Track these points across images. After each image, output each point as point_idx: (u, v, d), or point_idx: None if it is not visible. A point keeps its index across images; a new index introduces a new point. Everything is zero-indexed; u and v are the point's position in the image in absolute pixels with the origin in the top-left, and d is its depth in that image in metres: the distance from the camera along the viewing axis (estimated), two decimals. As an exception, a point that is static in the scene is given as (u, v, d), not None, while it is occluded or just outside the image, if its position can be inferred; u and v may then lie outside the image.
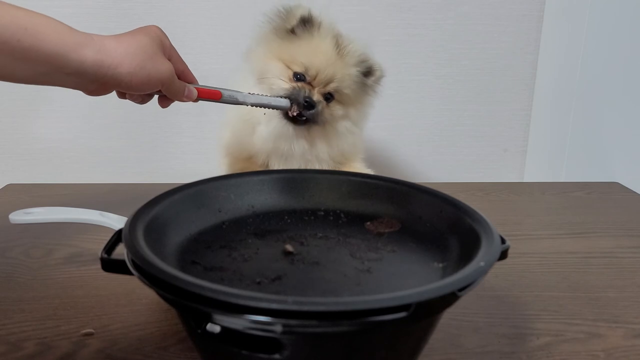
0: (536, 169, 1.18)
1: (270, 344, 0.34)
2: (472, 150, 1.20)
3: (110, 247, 0.42)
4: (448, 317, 0.47)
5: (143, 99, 0.61)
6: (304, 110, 0.69)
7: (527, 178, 1.21)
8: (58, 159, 1.15)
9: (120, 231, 0.42)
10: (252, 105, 0.66)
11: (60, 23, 0.48)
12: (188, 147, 1.15)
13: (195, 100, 0.64)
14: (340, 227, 0.52)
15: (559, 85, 1.10)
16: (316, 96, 0.70)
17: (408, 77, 1.14)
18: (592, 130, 1.04)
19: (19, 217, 0.57)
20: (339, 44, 0.70)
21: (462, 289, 0.35)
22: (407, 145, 1.18)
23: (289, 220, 0.53)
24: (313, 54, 0.69)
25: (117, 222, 0.59)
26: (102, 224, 0.59)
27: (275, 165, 0.74)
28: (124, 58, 0.51)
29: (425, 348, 0.42)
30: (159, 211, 0.46)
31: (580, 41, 1.04)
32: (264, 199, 0.55)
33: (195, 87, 0.63)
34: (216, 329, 0.34)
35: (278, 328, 0.32)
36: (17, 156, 1.15)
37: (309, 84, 0.70)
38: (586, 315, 0.55)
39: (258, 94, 0.67)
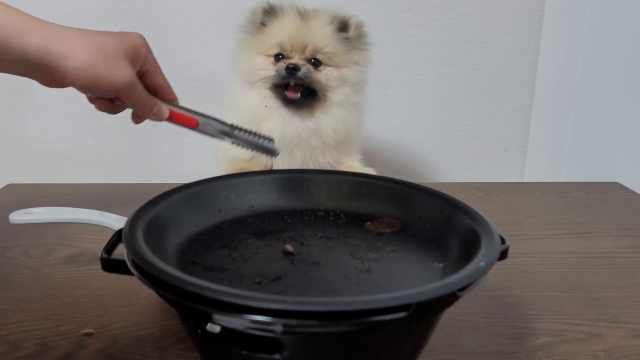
0: (536, 169, 1.18)
1: (270, 344, 0.34)
2: (472, 150, 1.20)
3: (110, 247, 0.42)
4: (448, 317, 0.47)
5: (107, 106, 0.56)
6: (291, 78, 0.71)
7: (527, 178, 1.21)
8: (58, 159, 1.15)
9: (120, 231, 0.42)
10: (233, 143, 0.58)
11: (8, 7, 0.47)
12: (188, 147, 1.15)
13: (171, 121, 0.59)
14: (340, 227, 0.52)
15: (559, 85, 1.10)
16: (297, 61, 0.73)
17: (408, 77, 1.14)
18: (592, 130, 1.04)
19: (19, 217, 0.57)
20: (302, 13, 0.72)
21: (462, 289, 0.35)
22: (407, 145, 1.18)
23: (289, 220, 0.53)
24: (281, 31, 0.72)
25: (117, 222, 0.59)
26: (102, 224, 0.59)
27: (280, 159, 0.74)
28: (74, 50, 0.47)
29: (425, 348, 0.42)
30: (159, 211, 0.46)
31: (580, 41, 1.04)
32: (264, 199, 0.55)
33: (169, 108, 0.58)
34: (216, 329, 0.34)
35: (278, 328, 0.32)
36: (17, 156, 1.15)
37: (289, 57, 0.74)
38: (586, 315, 0.55)
39: (244, 130, 0.58)
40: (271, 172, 0.60)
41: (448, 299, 0.35)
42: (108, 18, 1.06)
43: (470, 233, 0.44)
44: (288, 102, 0.73)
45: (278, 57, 0.73)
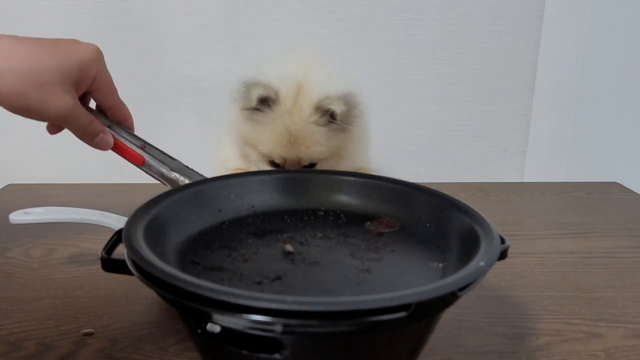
0: (536, 169, 1.18)
1: (270, 343, 0.34)
2: (472, 150, 1.20)
3: (110, 247, 0.42)
4: (448, 317, 0.47)
5: (54, 129, 0.54)
6: None
7: (527, 178, 1.21)
8: (58, 159, 1.15)
9: (120, 231, 0.42)
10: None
11: None
12: (188, 147, 1.15)
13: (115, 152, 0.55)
14: (340, 227, 0.52)
15: (559, 85, 1.10)
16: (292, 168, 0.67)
17: (408, 77, 1.14)
18: (592, 130, 1.04)
19: (18, 217, 0.57)
20: (287, 127, 0.64)
21: (462, 289, 0.35)
22: (407, 145, 1.18)
23: (289, 220, 0.53)
24: (268, 144, 0.66)
25: (117, 222, 0.59)
26: (102, 224, 0.59)
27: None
28: (2, 75, 0.44)
29: (425, 348, 0.42)
30: (159, 211, 0.46)
31: (580, 41, 1.04)
32: (264, 199, 0.55)
33: (115, 138, 0.55)
34: (216, 328, 0.34)
35: (278, 328, 0.32)
36: (17, 156, 1.15)
37: (283, 167, 0.68)
38: (586, 315, 0.55)
39: (198, 174, 0.56)
40: (271, 172, 0.60)
41: (448, 299, 0.35)
42: (108, 18, 1.06)
43: (470, 233, 0.44)
44: None
45: (272, 162, 0.68)
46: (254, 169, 0.70)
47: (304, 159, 0.66)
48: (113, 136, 0.55)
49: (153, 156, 0.56)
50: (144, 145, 0.57)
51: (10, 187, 0.92)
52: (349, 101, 0.66)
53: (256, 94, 0.64)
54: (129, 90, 1.12)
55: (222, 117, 0.75)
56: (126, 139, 0.56)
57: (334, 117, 0.65)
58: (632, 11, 0.93)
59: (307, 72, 0.67)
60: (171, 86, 1.10)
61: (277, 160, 0.67)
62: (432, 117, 1.17)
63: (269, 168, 0.68)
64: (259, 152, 0.67)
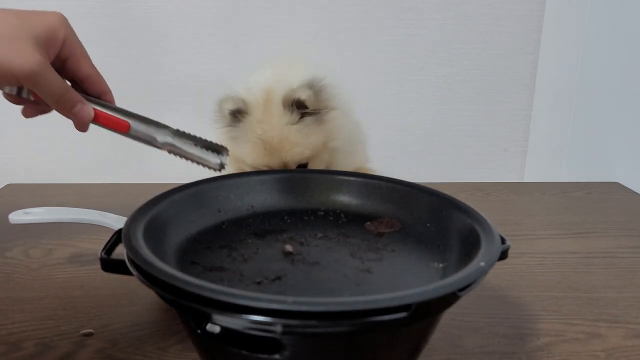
0: (536, 169, 1.18)
1: (270, 344, 0.34)
2: (472, 150, 1.20)
3: (109, 247, 0.42)
4: (448, 317, 0.47)
5: (32, 109, 0.51)
6: None
7: (527, 178, 1.21)
8: (58, 159, 1.15)
9: (119, 231, 0.42)
10: (170, 153, 0.53)
11: None
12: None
13: (96, 123, 0.52)
14: (340, 227, 0.52)
15: (559, 85, 1.10)
16: None
17: (408, 77, 1.14)
18: (592, 130, 1.04)
19: (18, 217, 0.57)
20: (262, 138, 0.63)
21: (462, 289, 0.35)
22: (407, 145, 1.18)
23: (288, 220, 0.53)
24: (249, 155, 0.65)
25: (117, 222, 0.59)
26: (102, 224, 0.59)
27: None
28: None
29: (426, 348, 0.42)
30: (159, 211, 0.46)
31: (580, 41, 1.04)
32: (264, 199, 0.55)
33: (95, 109, 0.51)
34: (216, 329, 0.34)
35: (278, 328, 0.31)
36: (17, 156, 1.15)
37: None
38: (586, 315, 0.55)
39: (190, 136, 0.54)
40: (271, 172, 0.60)
41: (448, 299, 0.35)
42: (108, 18, 1.06)
43: (471, 233, 0.44)
44: None
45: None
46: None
47: (288, 163, 0.64)
48: (93, 108, 0.51)
49: (139, 118, 0.53)
50: (128, 113, 0.54)
51: (10, 187, 0.92)
52: (313, 85, 0.64)
53: (226, 109, 0.64)
54: (129, 90, 1.12)
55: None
56: (107, 107, 0.52)
57: (303, 107, 0.63)
58: (632, 11, 0.93)
59: (279, 77, 0.66)
60: (171, 86, 1.10)
61: (266, 170, 0.65)
62: (432, 117, 1.17)
63: None
64: (247, 165, 0.66)
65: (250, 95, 0.65)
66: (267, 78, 0.66)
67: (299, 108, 0.63)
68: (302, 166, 0.66)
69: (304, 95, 0.63)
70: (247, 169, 0.67)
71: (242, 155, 0.65)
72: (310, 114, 0.64)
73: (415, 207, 0.52)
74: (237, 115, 0.64)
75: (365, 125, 0.78)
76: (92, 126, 0.55)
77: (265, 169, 0.65)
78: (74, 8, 1.05)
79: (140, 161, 1.16)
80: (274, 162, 0.64)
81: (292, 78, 0.65)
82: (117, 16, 1.07)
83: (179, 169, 1.20)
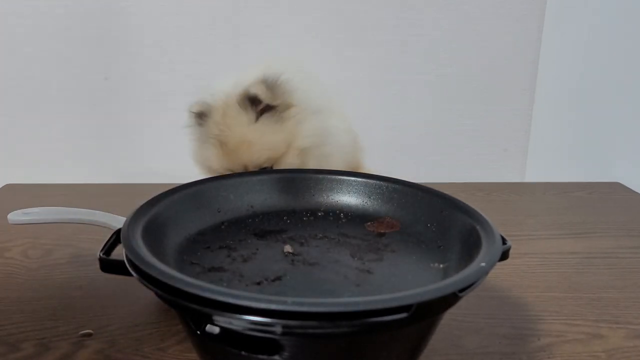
0: (537, 169, 1.18)
1: (269, 345, 0.34)
2: (472, 150, 1.19)
3: (108, 247, 0.42)
4: (449, 318, 0.47)
5: None
6: None
7: (528, 178, 1.20)
8: (57, 159, 1.14)
9: (118, 231, 0.42)
10: None
11: None
12: (188, 147, 1.15)
13: None
14: (340, 227, 0.52)
15: (560, 84, 1.10)
16: None
17: (408, 77, 1.14)
18: (593, 130, 1.04)
19: (17, 217, 0.57)
20: (218, 139, 0.63)
21: (463, 290, 0.35)
22: (407, 145, 1.18)
23: (288, 221, 0.53)
24: (214, 161, 0.65)
25: (116, 222, 0.59)
26: (101, 224, 0.59)
27: None
28: None
29: (426, 349, 0.42)
30: (158, 211, 0.46)
31: (581, 41, 1.04)
32: (264, 199, 0.55)
33: None
34: (215, 329, 0.34)
35: (278, 329, 0.31)
36: (17, 156, 1.15)
37: None
38: (587, 315, 0.54)
39: None
40: (271, 172, 0.60)
41: (449, 300, 0.35)
42: (108, 18, 1.06)
43: (471, 233, 0.44)
44: None
45: None
46: None
47: (248, 165, 0.63)
48: None
49: None
50: None
51: (9, 187, 0.92)
52: (267, 81, 0.63)
53: (191, 113, 0.65)
54: (129, 89, 1.12)
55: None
56: None
57: (258, 102, 0.62)
58: (633, 11, 0.93)
59: (238, 80, 0.65)
60: (171, 86, 1.10)
61: (266, 170, 0.63)
62: (432, 117, 1.17)
63: None
64: (213, 170, 0.65)
65: (213, 99, 0.64)
66: (228, 82, 0.66)
67: (254, 105, 0.62)
68: (267, 168, 0.64)
69: (256, 89, 0.61)
70: (214, 174, 0.65)
71: (206, 160, 0.65)
72: (267, 110, 0.62)
73: (415, 208, 0.52)
74: (201, 117, 0.64)
75: (354, 120, 0.76)
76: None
77: (228, 172, 0.63)
78: (73, 8, 1.05)
79: (140, 161, 1.16)
80: (235, 166, 0.63)
81: (249, 78, 0.64)
82: (117, 15, 1.06)
83: (179, 169, 1.20)
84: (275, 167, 0.64)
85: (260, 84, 0.62)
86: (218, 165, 0.64)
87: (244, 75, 0.66)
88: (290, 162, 0.64)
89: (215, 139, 0.63)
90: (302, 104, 0.65)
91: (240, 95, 0.62)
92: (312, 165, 0.65)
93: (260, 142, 0.62)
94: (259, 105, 0.62)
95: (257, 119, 0.62)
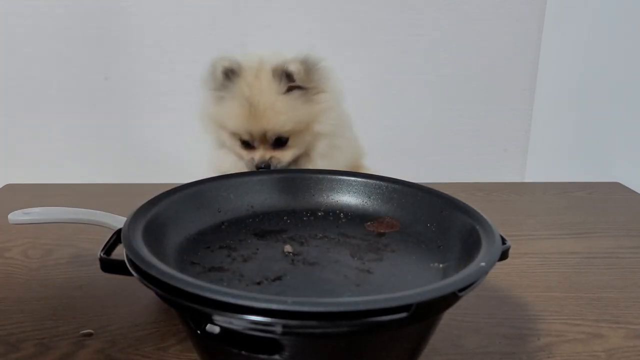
0: (537, 169, 1.18)
1: (270, 344, 0.34)
2: (472, 150, 1.20)
3: (109, 247, 0.42)
4: (449, 318, 0.47)
5: None
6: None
7: (528, 178, 1.20)
8: (57, 159, 1.15)
9: (119, 231, 0.42)
10: None
11: None
12: (188, 147, 1.15)
13: None
14: (340, 227, 0.52)
15: (560, 84, 1.10)
16: (261, 155, 0.67)
17: (408, 77, 1.14)
18: (593, 130, 1.04)
19: (17, 217, 0.57)
20: (247, 98, 0.64)
21: (462, 290, 0.35)
22: (407, 145, 1.18)
23: (288, 221, 0.53)
24: (233, 119, 0.66)
25: (116, 222, 0.59)
26: (101, 224, 0.59)
27: None
28: None
29: (426, 348, 0.42)
30: (158, 211, 0.46)
31: (581, 41, 1.04)
32: (264, 199, 0.55)
33: None
34: (215, 329, 0.34)
35: (278, 329, 0.31)
36: (17, 156, 1.15)
37: (254, 146, 0.68)
38: (587, 315, 0.55)
39: None
40: (271, 172, 0.60)
41: (448, 300, 0.35)
42: (108, 17, 1.06)
43: (471, 233, 0.44)
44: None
45: (242, 141, 0.68)
46: (229, 160, 0.70)
47: (269, 131, 0.65)
48: None
49: None
50: None
51: (9, 187, 0.92)
52: (307, 61, 0.65)
53: (220, 67, 0.65)
54: (129, 89, 1.12)
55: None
56: None
57: (291, 79, 0.65)
58: (633, 11, 0.93)
59: (277, 51, 0.68)
60: (171, 86, 1.10)
61: (245, 137, 0.67)
62: (432, 117, 1.17)
63: (242, 151, 0.68)
64: (228, 132, 0.67)
65: (245, 59, 0.66)
66: (265, 50, 0.68)
67: (288, 80, 0.64)
68: (281, 141, 0.67)
69: (293, 67, 0.64)
70: (226, 140, 0.68)
71: (225, 118, 0.67)
72: (298, 88, 0.65)
73: (415, 208, 0.52)
74: (229, 75, 0.65)
75: (354, 120, 0.77)
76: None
77: (243, 137, 0.66)
78: (73, 8, 1.05)
79: (140, 161, 1.16)
80: (255, 129, 0.65)
81: (289, 54, 0.66)
82: (117, 15, 1.06)
83: (179, 169, 1.20)
84: (289, 143, 0.67)
85: (299, 64, 0.64)
86: (238, 126, 0.66)
87: (285, 50, 0.68)
88: (305, 141, 0.67)
89: (246, 100, 0.64)
90: (333, 92, 0.68)
91: (276, 66, 0.64)
92: (320, 151, 0.68)
93: (287, 114, 0.65)
94: (292, 82, 0.65)
95: (286, 91, 0.65)
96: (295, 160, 0.69)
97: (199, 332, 0.35)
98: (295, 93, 0.65)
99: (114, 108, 1.11)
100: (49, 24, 1.06)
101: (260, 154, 0.67)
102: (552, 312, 0.55)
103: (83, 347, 0.48)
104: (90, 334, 0.50)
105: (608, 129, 1.01)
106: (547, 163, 1.15)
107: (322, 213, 0.55)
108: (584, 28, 1.03)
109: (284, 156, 0.67)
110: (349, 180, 0.57)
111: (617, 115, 0.99)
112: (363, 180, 0.56)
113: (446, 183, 1.00)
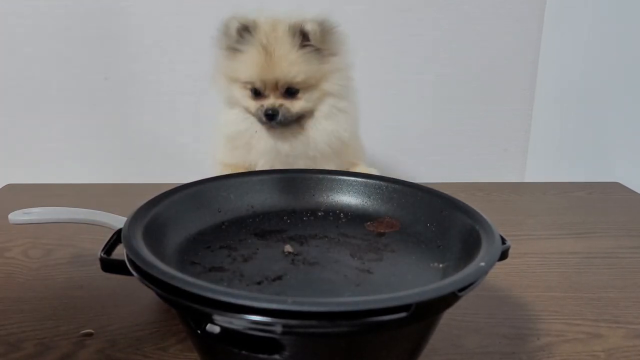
0: (537, 169, 1.18)
1: (270, 344, 0.34)
2: (472, 150, 1.20)
3: (109, 247, 0.42)
4: (448, 318, 0.47)
5: None
6: (271, 122, 0.69)
7: (528, 178, 1.20)
8: (58, 159, 1.15)
9: (119, 231, 0.42)
10: None
11: None
12: (188, 147, 1.15)
13: None
14: (340, 227, 0.52)
15: (559, 84, 1.10)
16: (272, 102, 0.69)
17: (408, 77, 1.14)
18: (593, 130, 1.04)
19: (18, 217, 0.57)
20: (264, 46, 0.67)
21: (462, 289, 0.35)
22: (407, 145, 1.18)
23: (288, 221, 0.53)
24: (249, 69, 0.69)
25: (117, 222, 0.59)
26: (102, 224, 0.59)
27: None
28: None
29: (426, 348, 0.42)
30: (159, 211, 0.46)
31: (581, 41, 1.04)
32: (264, 199, 0.55)
33: None
34: (216, 329, 0.34)
35: (278, 328, 0.31)
36: (16, 156, 1.15)
37: (265, 95, 0.70)
38: (587, 315, 0.55)
39: None
40: (271, 172, 0.60)
41: (448, 300, 0.35)
42: (108, 18, 1.06)
43: (471, 233, 0.44)
44: (267, 125, 0.71)
45: (254, 90, 0.70)
46: (238, 119, 0.72)
47: (280, 80, 0.68)
48: None
49: None
50: None
51: (9, 187, 0.92)
52: (324, 24, 0.68)
53: (234, 25, 0.68)
54: (129, 90, 1.12)
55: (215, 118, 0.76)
56: None
57: (307, 39, 0.67)
58: (633, 10, 0.93)
59: (293, 14, 0.70)
60: (171, 86, 1.10)
61: (257, 85, 0.69)
62: (432, 117, 1.17)
63: (251, 102, 0.71)
64: (241, 83, 0.70)
65: (261, 16, 0.69)
66: (278, 11, 0.70)
67: (303, 39, 0.67)
68: (291, 92, 0.69)
69: (310, 27, 0.67)
70: (237, 93, 0.71)
71: (240, 69, 0.69)
72: (312, 47, 0.68)
73: (415, 207, 0.52)
74: (244, 32, 0.68)
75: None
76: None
77: (256, 84, 0.69)
78: (73, 8, 1.05)
79: (140, 161, 1.16)
80: (269, 76, 0.68)
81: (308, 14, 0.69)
82: (116, 16, 1.06)
83: (179, 169, 1.20)
84: (299, 95, 0.69)
85: (317, 25, 0.67)
86: (252, 73, 0.68)
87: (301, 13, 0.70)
88: (314, 97, 0.70)
89: (263, 47, 0.67)
90: (344, 57, 0.71)
91: (294, 24, 0.67)
92: (325, 111, 0.71)
93: (300, 65, 0.68)
94: (307, 41, 0.68)
95: (300, 47, 0.68)
96: (300, 120, 0.72)
97: (199, 332, 0.35)
98: (309, 49, 0.68)
99: (114, 108, 1.11)
100: (49, 24, 1.06)
101: (270, 102, 0.69)
102: (552, 312, 0.55)
103: (83, 347, 0.48)
104: (90, 334, 0.50)
105: (608, 129, 1.01)
106: (547, 163, 1.15)
107: (322, 213, 0.55)
108: (583, 28, 1.03)
109: (293, 106, 0.70)
110: (349, 180, 0.57)
111: (617, 115, 0.99)
112: (363, 180, 0.56)
113: (446, 183, 1.00)
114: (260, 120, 0.71)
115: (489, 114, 1.18)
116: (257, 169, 0.73)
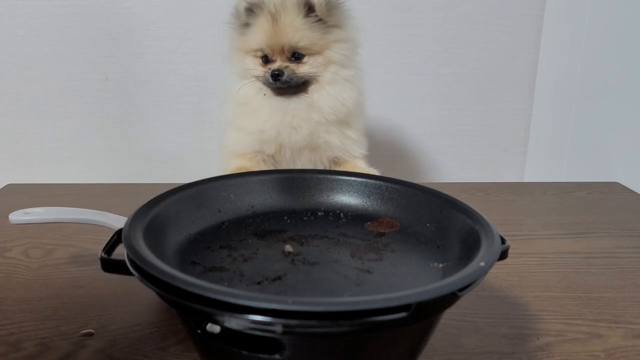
0: (536, 169, 1.18)
1: (270, 344, 0.34)
2: (472, 150, 1.20)
3: (110, 247, 0.42)
4: (448, 318, 0.47)
5: None
6: (277, 83, 0.74)
7: (528, 178, 1.21)
8: (58, 159, 1.15)
9: (120, 231, 0.42)
10: None
11: None
12: (188, 147, 1.15)
13: None
14: (340, 227, 0.52)
15: (559, 84, 1.10)
16: (278, 64, 0.75)
17: (408, 77, 1.14)
18: (593, 130, 1.04)
19: (18, 217, 0.57)
20: (273, 13, 0.74)
21: (462, 289, 0.35)
22: (407, 145, 1.18)
23: (288, 221, 0.53)
24: (258, 36, 0.75)
25: (117, 222, 0.59)
26: (102, 224, 0.59)
27: (287, 137, 0.76)
28: None
29: (426, 348, 0.42)
30: (159, 211, 0.46)
31: (580, 41, 1.04)
32: (264, 199, 0.55)
33: None
34: (216, 329, 0.34)
35: (278, 328, 0.31)
36: (17, 156, 1.15)
37: (273, 60, 0.76)
38: (586, 315, 0.55)
39: None
40: (271, 172, 0.60)
41: (448, 299, 0.35)
42: (108, 18, 1.06)
43: (471, 233, 0.44)
44: (282, 90, 0.77)
45: (264, 58, 0.77)
46: (249, 86, 0.77)
47: (286, 44, 0.74)
48: None
49: None
50: None
51: (10, 187, 0.92)
52: (326, 1, 0.73)
53: (242, 5, 0.75)
54: (129, 90, 1.12)
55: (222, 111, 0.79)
56: None
57: (312, 11, 0.73)
58: (632, 11, 0.93)
59: None
60: (171, 86, 1.10)
61: (266, 51, 0.75)
62: (432, 117, 1.17)
63: (261, 68, 0.76)
64: (252, 52, 0.76)
65: None
66: None
67: (309, 11, 0.73)
68: (297, 57, 0.75)
69: (316, 0, 0.72)
70: (249, 62, 0.77)
71: (250, 38, 0.76)
72: (317, 17, 0.73)
73: (415, 207, 0.52)
74: (253, 9, 0.74)
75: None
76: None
77: (265, 50, 0.75)
78: (73, 8, 1.05)
79: (140, 161, 1.16)
80: (276, 42, 0.74)
81: None
82: (117, 16, 1.07)
83: (179, 169, 1.20)
84: (304, 60, 0.75)
85: None
86: (260, 41, 0.75)
87: None
88: (318, 62, 0.75)
89: (271, 16, 0.73)
90: (348, 30, 0.77)
91: None
92: (329, 78, 0.76)
93: (304, 32, 0.73)
94: (312, 13, 0.73)
95: (305, 17, 0.73)
96: (306, 85, 0.76)
97: (199, 331, 0.35)
98: (314, 19, 0.73)
99: (114, 108, 1.11)
100: (49, 25, 1.06)
101: (277, 65, 0.75)
102: (551, 312, 0.55)
103: (84, 347, 0.48)
104: (91, 334, 0.50)
105: (608, 129, 1.01)
106: (546, 163, 1.15)
107: (322, 213, 0.55)
108: (583, 28, 1.03)
109: (298, 69, 0.75)
110: (349, 180, 0.57)
111: (617, 115, 0.99)
112: (363, 180, 0.56)
113: (446, 183, 1.00)
114: (267, 83, 0.76)
115: (489, 114, 1.18)
116: (264, 136, 0.77)
